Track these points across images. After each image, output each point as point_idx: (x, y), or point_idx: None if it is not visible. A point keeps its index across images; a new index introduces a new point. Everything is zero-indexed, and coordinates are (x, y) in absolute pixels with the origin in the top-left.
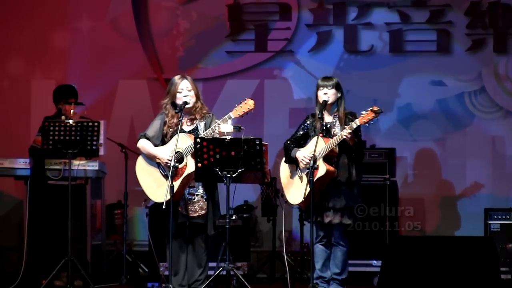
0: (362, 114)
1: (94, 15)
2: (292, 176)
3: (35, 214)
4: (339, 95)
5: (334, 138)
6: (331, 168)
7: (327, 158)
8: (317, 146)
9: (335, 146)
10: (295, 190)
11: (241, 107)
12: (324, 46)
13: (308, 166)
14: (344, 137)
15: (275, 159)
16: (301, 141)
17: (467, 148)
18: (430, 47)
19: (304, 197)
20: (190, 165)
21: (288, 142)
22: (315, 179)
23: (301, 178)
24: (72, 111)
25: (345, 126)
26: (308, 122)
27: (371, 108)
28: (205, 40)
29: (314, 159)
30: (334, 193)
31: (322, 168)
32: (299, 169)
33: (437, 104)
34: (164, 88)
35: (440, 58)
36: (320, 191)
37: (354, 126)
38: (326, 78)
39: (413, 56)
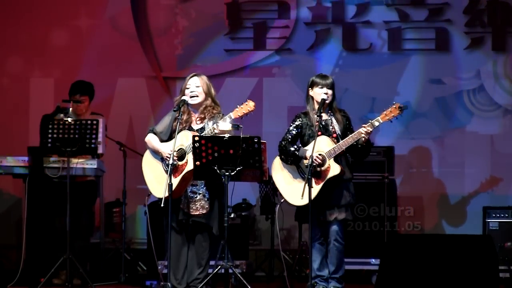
0: (385, 111)
1: (93, 13)
2: (293, 177)
3: (34, 212)
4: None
5: (350, 136)
6: (342, 167)
7: (335, 157)
8: (318, 145)
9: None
10: (300, 191)
11: (241, 108)
12: (323, 44)
13: (319, 165)
14: (363, 134)
15: (273, 157)
16: (296, 141)
17: (465, 147)
18: (429, 45)
19: (316, 196)
20: (190, 162)
21: (286, 143)
22: (327, 178)
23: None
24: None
25: (364, 125)
26: (301, 121)
27: (395, 105)
28: (204, 38)
29: (307, 156)
30: (339, 190)
31: (336, 168)
32: (301, 169)
33: (436, 102)
34: (163, 86)
35: (438, 56)
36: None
37: (376, 124)
38: (324, 77)
39: (412, 54)
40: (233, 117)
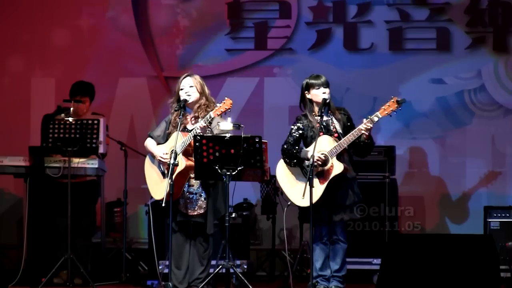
0: (383, 106)
1: (94, 13)
2: (298, 178)
3: (35, 212)
4: None
5: (351, 134)
6: (345, 165)
7: (338, 155)
8: (319, 144)
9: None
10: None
11: (220, 107)
12: (324, 44)
13: (321, 165)
14: (363, 131)
15: (274, 157)
16: (299, 143)
17: (466, 146)
18: (430, 45)
19: (321, 196)
20: (180, 163)
21: (288, 146)
22: (331, 177)
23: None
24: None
25: (364, 120)
26: (302, 123)
27: (393, 99)
28: (205, 38)
29: (310, 157)
30: (344, 190)
31: (339, 166)
32: (305, 170)
33: (437, 102)
34: (164, 86)
35: (439, 56)
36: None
37: (376, 119)
38: (318, 77)
39: (413, 54)
40: (213, 116)
